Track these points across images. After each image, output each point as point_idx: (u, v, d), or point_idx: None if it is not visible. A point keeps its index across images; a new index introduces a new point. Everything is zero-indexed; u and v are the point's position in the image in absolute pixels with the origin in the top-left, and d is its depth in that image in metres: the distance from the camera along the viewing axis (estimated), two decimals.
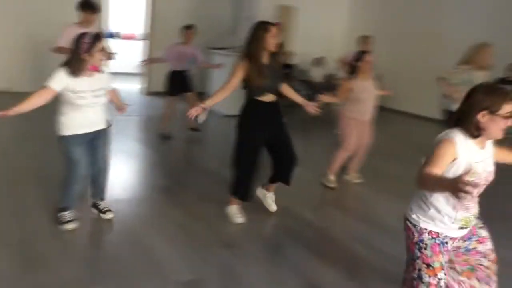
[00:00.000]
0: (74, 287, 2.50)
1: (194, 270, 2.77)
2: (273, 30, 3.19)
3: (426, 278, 1.99)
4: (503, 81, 6.49)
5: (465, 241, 2.12)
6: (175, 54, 5.80)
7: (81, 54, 2.84)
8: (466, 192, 1.55)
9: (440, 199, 1.99)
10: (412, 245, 2.07)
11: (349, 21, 10.47)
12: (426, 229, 2.03)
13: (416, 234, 2.05)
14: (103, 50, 2.93)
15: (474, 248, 2.14)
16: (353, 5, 10.52)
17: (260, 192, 3.80)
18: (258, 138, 3.36)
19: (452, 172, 1.89)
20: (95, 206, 3.39)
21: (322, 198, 4.36)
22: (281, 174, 3.57)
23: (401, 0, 9.37)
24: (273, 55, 3.30)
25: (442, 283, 1.99)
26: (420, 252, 2.03)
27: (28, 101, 2.80)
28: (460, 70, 5.10)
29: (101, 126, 3.15)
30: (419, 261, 2.03)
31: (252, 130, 3.34)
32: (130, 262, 2.80)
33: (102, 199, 3.39)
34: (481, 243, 2.14)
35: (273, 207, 3.77)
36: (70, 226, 3.13)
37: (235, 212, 3.53)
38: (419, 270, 2.02)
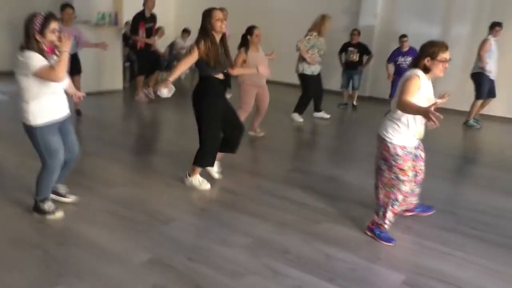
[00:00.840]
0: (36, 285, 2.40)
1: (148, 250, 2.85)
2: (218, 14, 3.54)
3: (401, 177, 2.99)
4: (349, 44, 7.61)
5: (416, 149, 3.14)
6: None
7: (34, 34, 2.78)
8: (434, 115, 2.49)
9: (409, 118, 2.92)
10: (389, 157, 3.00)
11: None
12: (398, 144, 2.97)
13: (391, 149, 2.98)
14: (55, 31, 2.83)
15: (420, 155, 3.21)
16: None
17: None
18: (219, 112, 3.68)
19: (417, 98, 2.83)
20: (54, 192, 3.32)
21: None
22: (231, 144, 3.93)
23: None
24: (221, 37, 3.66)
25: (411, 177, 3.02)
26: (396, 162, 2.99)
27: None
28: (312, 38, 6.29)
29: (67, 110, 3.12)
30: (395, 168, 3.00)
31: (214, 106, 3.65)
32: (83, 253, 2.74)
33: (61, 183, 3.39)
34: (422, 151, 3.23)
35: (216, 176, 4.11)
36: (58, 214, 3.15)
37: (202, 180, 3.88)
38: (395, 173, 3.00)
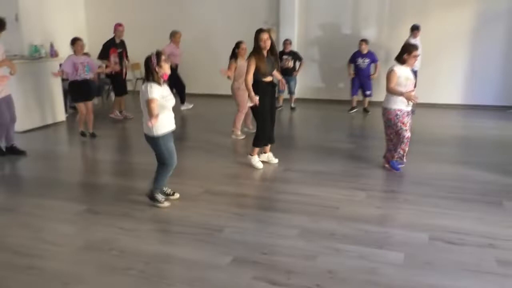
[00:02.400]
0: None
1: (225, 253, 3.28)
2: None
3: (404, 127, 4.72)
4: (282, 52, 8.43)
5: (408, 115, 4.76)
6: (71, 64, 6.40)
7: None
8: (411, 96, 4.50)
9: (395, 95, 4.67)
10: (393, 118, 4.72)
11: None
12: (397, 108, 4.68)
13: (393, 113, 4.71)
14: None
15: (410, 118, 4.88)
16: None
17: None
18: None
19: (400, 81, 4.60)
20: (162, 193, 4.24)
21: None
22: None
23: None
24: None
25: (408, 129, 4.72)
26: (397, 119, 4.72)
27: None
28: None
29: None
30: (399, 123, 4.72)
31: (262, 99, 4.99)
32: (173, 267, 3.09)
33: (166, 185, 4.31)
34: (410, 119, 4.83)
35: (275, 161, 5.42)
36: (166, 203, 4.11)
37: (257, 160, 5.22)
38: (400, 127, 4.72)
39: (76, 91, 6.57)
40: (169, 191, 4.33)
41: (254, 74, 4.89)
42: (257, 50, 4.88)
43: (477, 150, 6.12)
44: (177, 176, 4.48)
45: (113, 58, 7.73)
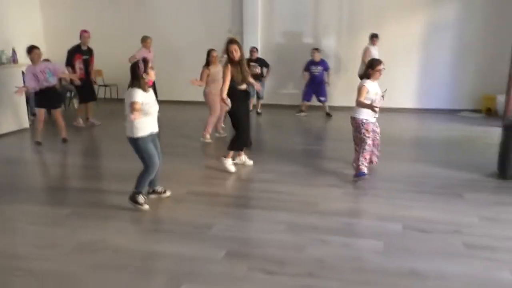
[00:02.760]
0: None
1: (219, 247, 3.44)
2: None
3: (367, 135, 4.88)
4: (250, 60, 8.67)
5: (373, 125, 4.99)
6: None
7: None
8: (376, 108, 4.68)
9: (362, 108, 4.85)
10: (358, 126, 4.90)
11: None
12: (363, 118, 4.88)
13: (360, 122, 4.90)
14: None
15: (375, 130, 5.07)
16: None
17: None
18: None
19: (368, 95, 4.80)
20: (153, 191, 4.42)
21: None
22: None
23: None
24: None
25: (370, 137, 4.89)
26: (363, 126, 4.88)
27: None
28: (224, 58, 7.07)
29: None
30: (363, 130, 4.87)
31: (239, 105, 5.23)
32: (170, 264, 3.22)
33: (157, 185, 4.44)
34: (377, 127, 5.14)
35: (250, 162, 5.62)
36: (146, 206, 4.14)
37: (230, 163, 5.33)
38: (363, 134, 4.88)
39: (40, 98, 6.49)
40: (160, 189, 4.46)
41: (230, 83, 5.09)
42: (230, 60, 5.10)
43: (433, 149, 6.62)
44: (162, 176, 4.57)
45: (78, 64, 7.69)
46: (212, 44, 7.24)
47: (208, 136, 6.78)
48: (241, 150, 5.48)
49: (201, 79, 6.64)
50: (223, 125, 7.35)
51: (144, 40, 8.54)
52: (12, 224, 3.95)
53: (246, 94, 5.40)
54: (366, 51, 8.59)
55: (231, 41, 5.15)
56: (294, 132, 7.98)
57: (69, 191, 4.90)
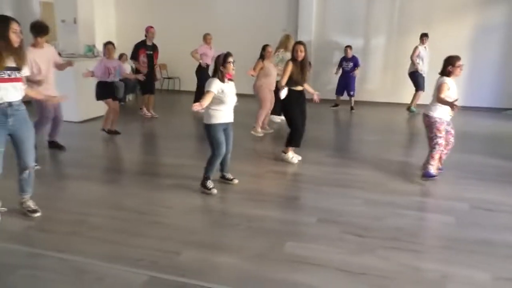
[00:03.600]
0: None
1: None
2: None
3: (438, 134, 4.74)
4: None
5: (448, 125, 4.85)
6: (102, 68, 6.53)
7: None
8: (456, 106, 4.43)
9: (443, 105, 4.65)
10: (430, 125, 4.76)
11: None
12: (437, 116, 4.73)
13: (432, 120, 4.75)
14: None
15: (449, 131, 4.90)
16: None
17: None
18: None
19: (448, 93, 4.62)
20: (223, 177, 4.70)
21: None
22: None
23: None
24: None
25: (442, 136, 4.75)
26: (435, 126, 4.74)
27: None
28: (280, 53, 7.52)
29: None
30: (435, 130, 4.75)
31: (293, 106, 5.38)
32: None
33: (228, 171, 4.72)
34: (452, 128, 4.95)
35: (295, 160, 5.60)
36: (214, 191, 4.36)
37: (292, 156, 5.50)
38: (435, 133, 4.76)
39: (104, 90, 6.68)
40: (229, 176, 4.74)
41: (287, 83, 5.22)
42: (292, 59, 5.29)
43: (485, 143, 7.01)
44: (237, 159, 5.09)
45: (142, 58, 8.09)
46: (268, 41, 7.71)
47: (259, 129, 6.97)
48: (298, 146, 5.52)
49: (254, 70, 6.83)
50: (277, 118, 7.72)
51: (205, 36, 9.01)
52: (133, 190, 4.59)
53: (300, 96, 5.43)
54: (415, 50, 8.94)
55: (299, 42, 5.38)
56: (340, 125, 8.46)
57: (164, 166, 5.52)
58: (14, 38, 3.39)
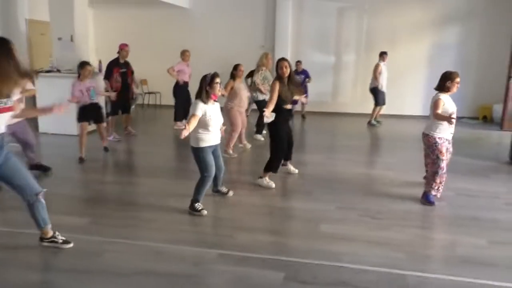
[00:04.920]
0: None
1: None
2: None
3: (441, 157, 4.57)
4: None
5: (449, 143, 4.69)
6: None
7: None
8: (453, 120, 4.39)
9: (444, 122, 4.53)
10: (431, 146, 4.61)
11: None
12: (438, 137, 4.57)
13: (433, 141, 4.58)
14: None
15: (449, 149, 4.72)
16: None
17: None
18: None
19: (444, 108, 4.51)
20: (218, 191, 4.76)
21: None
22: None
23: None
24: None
25: (445, 159, 4.61)
26: (436, 147, 4.57)
27: None
28: (263, 72, 7.64)
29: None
30: (436, 151, 4.58)
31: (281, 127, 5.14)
32: None
33: (221, 186, 4.78)
34: (451, 146, 4.75)
35: (295, 171, 5.77)
36: (204, 212, 4.26)
37: (269, 181, 5.17)
38: (437, 155, 4.58)
39: (83, 113, 6.41)
40: (224, 189, 4.80)
41: (277, 102, 4.96)
42: (279, 77, 5.02)
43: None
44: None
45: (116, 77, 7.71)
46: (247, 58, 8.07)
47: (230, 151, 6.70)
48: (275, 172, 5.26)
49: (225, 89, 6.40)
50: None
51: (183, 53, 8.89)
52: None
53: (289, 113, 5.39)
54: (377, 67, 9.72)
55: (282, 59, 5.11)
56: (331, 134, 9.31)
57: (180, 171, 6.03)
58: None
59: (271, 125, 5.03)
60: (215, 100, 4.22)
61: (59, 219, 3.80)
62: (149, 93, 11.72)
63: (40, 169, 5.60)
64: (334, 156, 7.07)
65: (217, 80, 4.14)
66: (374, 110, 10.01)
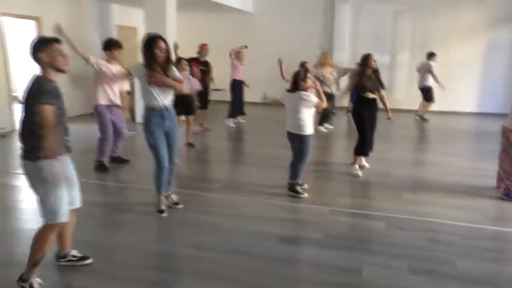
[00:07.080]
0: None
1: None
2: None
3: None
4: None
5: None
6: None
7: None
8: None
9: None
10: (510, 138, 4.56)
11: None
12: None
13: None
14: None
15: None
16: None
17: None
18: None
19: None
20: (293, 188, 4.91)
21: None
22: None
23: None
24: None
25: None
26: None
27: None
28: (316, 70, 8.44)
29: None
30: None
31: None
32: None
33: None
34: None
35: (367, 165, 6.06)
36: (306, 194, 4.81)
37: (357, 168, 5.73)
38: None
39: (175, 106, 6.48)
40: (299, 182, 5.00)
41: (360, 90, 5.65)
42: (363, 70, 5.67)
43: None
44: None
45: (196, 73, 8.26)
46: (307, 59, 8.28)
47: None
48: (366, 155, 5.80)
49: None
50: None
51: (237, 53, 9.50)
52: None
53: (373, 102, 5.71)
54: (431, 67, 10.25)
55: (370, 54, 5.71)
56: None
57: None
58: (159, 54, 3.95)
59: (355, 113, 5.71)
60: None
61: None
62: (216, 90, 12.69)
63: (121, 162, 6.00)
64: (405, 146, 7.92)
65: (309, 74, 4.64)
66: (425, 106, 10.60)
